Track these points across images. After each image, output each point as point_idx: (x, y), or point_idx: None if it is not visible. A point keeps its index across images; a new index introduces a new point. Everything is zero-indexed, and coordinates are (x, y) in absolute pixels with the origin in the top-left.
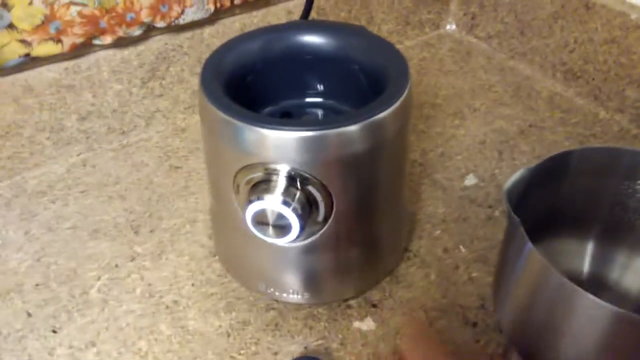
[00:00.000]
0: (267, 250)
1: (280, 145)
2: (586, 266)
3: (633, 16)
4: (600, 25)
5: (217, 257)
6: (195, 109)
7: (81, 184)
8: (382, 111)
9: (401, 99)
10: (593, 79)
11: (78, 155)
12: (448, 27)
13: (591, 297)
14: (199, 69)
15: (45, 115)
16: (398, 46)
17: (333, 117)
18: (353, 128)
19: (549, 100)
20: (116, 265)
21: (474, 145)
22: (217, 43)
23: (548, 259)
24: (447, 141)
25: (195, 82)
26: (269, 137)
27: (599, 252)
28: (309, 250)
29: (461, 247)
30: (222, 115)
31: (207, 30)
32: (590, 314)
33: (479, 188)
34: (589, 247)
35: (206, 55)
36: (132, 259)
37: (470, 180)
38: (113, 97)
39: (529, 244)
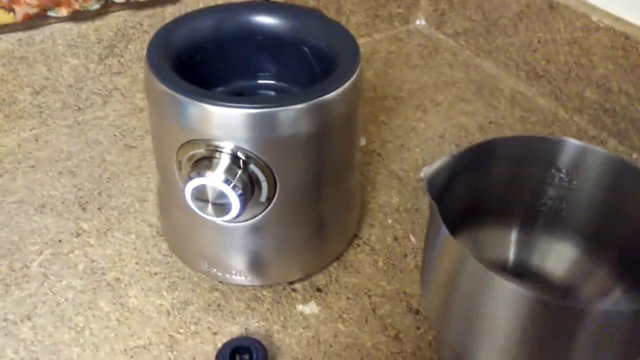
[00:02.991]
0: (210, 229)
1: (224, 122)
2: (511, 254)
3: (594, 18)
4: (562, 26)
5: (164, 237)
6: None
7: (31, 159)
8: (329, 92)
9: (350, 80)
10: (554, 79)
11: (31, 130)
12: (417, 22)
13: (505, 280)
14: None
15: None
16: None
17: (279, 96)
18: (299, 107)
19: (511, 98)
20: (60, 241)
21: (433, 139)
22: None
23: (471, 246)
24: (407, 133)
25: None
26: (213, 113)
27: (523, 239)
28: (252, 230)
29: (411, 236)
30: (165, 89)
31: (169, 9)
32: (506, 298)
33: None
34: (513, 235)
35: None
36: (77, 235)
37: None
38: (69, 72)
39: (444, 229)
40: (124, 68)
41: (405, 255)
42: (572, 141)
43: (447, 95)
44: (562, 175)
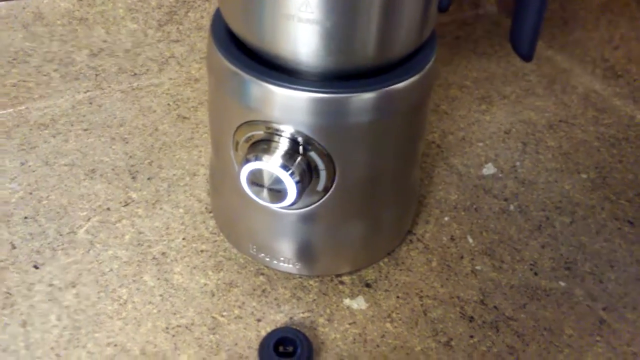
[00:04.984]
0: (262, 213)
1: (286, 104)
2: None
3: None
4: None
5: (212, 214)
6: None
7: (85, 122)
8: (400, 81)
9: (422, 72)
10: (634, 80)
11: (85, 92)
12: (488, 7)
13: None
14: None
15: (55, 46)
16: None
17: (347, 82)
18: (367, 95)
19: (584, 96)
20: (108, 209)
21: (497, 134)
22: None
23: None
24: (470, 126)
25: None
26: (276, 93)
27: None
28: (305, 219)
29: (469, 237)
30: (228, 64)
31: None
32: None
33: (497, 179)
34: None
35: None
36: (126, 204)
37: (488, 169)
38: (127, 36)
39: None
40: (182, 36)
41: (462, 257)
42: None
43: (516, 87)
44: None
